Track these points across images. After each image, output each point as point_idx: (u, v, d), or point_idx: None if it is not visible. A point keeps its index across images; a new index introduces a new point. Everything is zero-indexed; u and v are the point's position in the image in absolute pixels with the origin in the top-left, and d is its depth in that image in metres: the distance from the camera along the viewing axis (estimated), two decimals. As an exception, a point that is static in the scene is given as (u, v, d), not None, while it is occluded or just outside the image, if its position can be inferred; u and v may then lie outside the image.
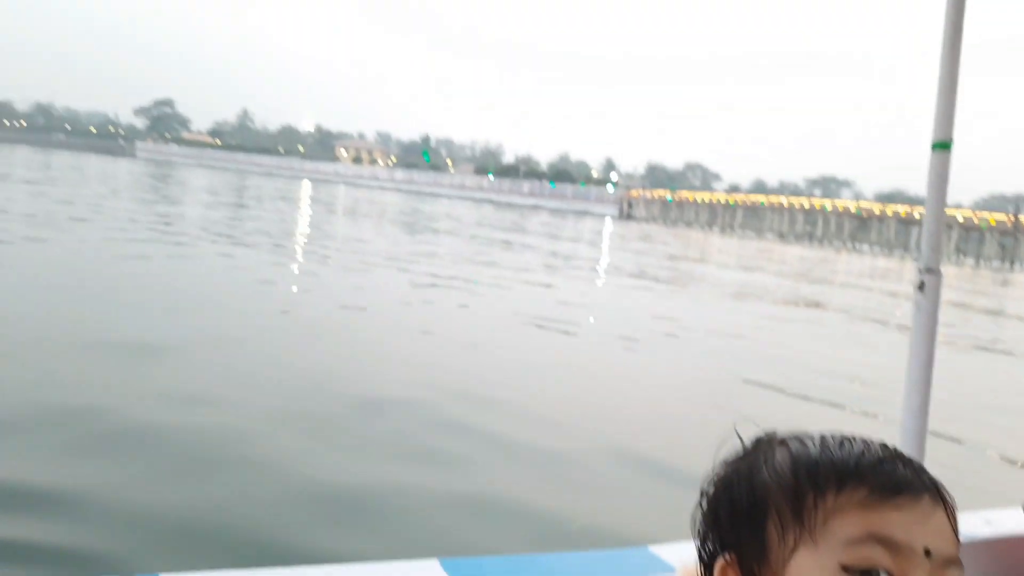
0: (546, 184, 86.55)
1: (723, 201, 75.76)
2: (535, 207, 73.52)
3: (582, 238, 34.10)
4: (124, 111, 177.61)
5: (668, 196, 79.05)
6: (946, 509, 0.57)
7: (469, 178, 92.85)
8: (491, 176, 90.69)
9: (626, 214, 73.05)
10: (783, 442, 0.62)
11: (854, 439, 0.60)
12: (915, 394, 1.29)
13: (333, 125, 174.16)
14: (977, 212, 70.57)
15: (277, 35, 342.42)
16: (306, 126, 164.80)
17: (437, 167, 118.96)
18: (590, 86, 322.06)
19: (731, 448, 0.65)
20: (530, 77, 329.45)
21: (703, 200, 76.69)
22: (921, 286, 1.29)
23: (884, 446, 0.59)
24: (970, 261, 59.15)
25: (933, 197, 1.30)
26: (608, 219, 64.03)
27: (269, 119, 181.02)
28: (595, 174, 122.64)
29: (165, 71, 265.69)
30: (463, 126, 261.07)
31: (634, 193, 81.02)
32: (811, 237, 62.71)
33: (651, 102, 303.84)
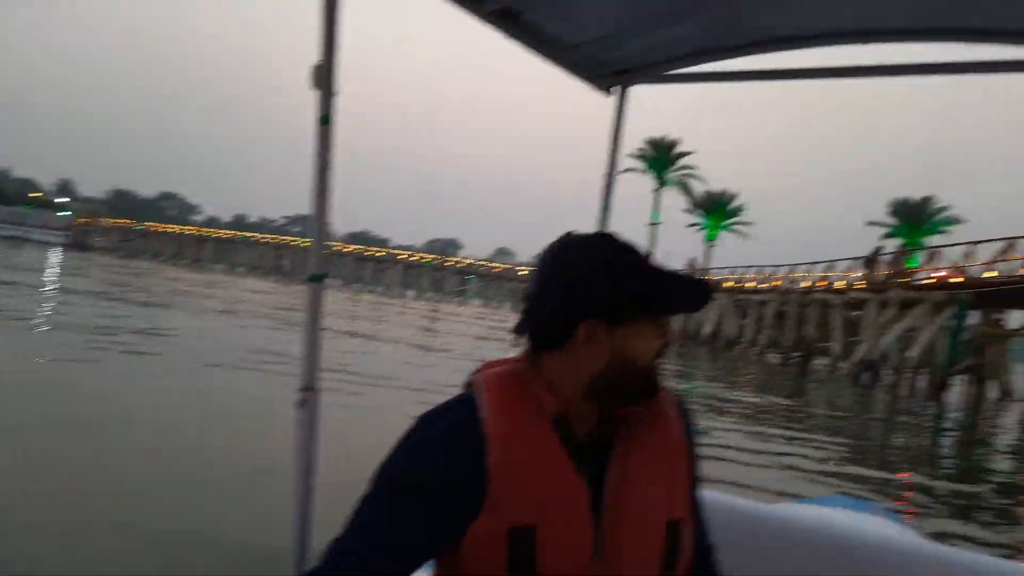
0: (-34, 203, 70.06)
1: (195, 234, 73.69)
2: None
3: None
4: None
5: (135, 226, 72.96)
6: None
7: None
8: None
9: (79, 243, 64.36)
10: None
11: None
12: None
13: None
14: (421, 254, 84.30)
15: None
16: None
17: None
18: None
19: None
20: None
21: (173, 232, 73.25)
22: (302, 403, 1.34)
23: None
24: (411, 292, 70.58)
25: (311, 323, 1.36)
26: (58, 249, 55.39)
27: None
28: (43, 195, 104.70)
29: None
30: None
31: (90, 220, 72.12)
32: (279, 270, 65.80)
33: (123, 125, 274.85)
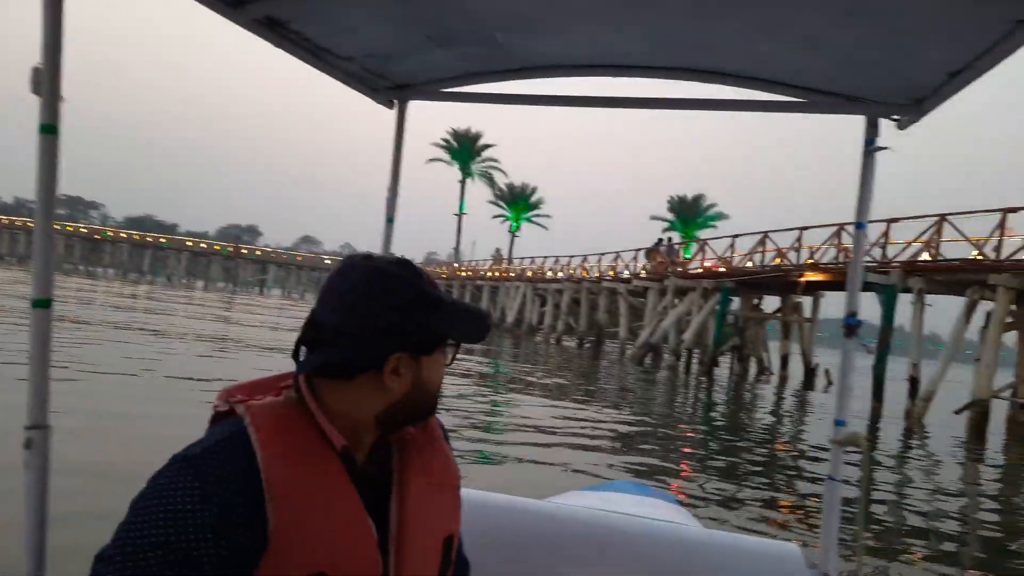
0: None
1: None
2: None
3: None
4: None
5: None
6: None
7: None
8: None
9: None
10: None
11: None
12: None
13: None
14: (212, 241, 78.13)
15: None
16: None
17: None
18: None
19: None
20: None
21: None
22: (30, 444, 1.20)
23: None
24: (200, 283, 65.03)
25: (37, 354, 1.23)
26: None
27: None
28: None
29: None
30: None
31: None
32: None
33: None
